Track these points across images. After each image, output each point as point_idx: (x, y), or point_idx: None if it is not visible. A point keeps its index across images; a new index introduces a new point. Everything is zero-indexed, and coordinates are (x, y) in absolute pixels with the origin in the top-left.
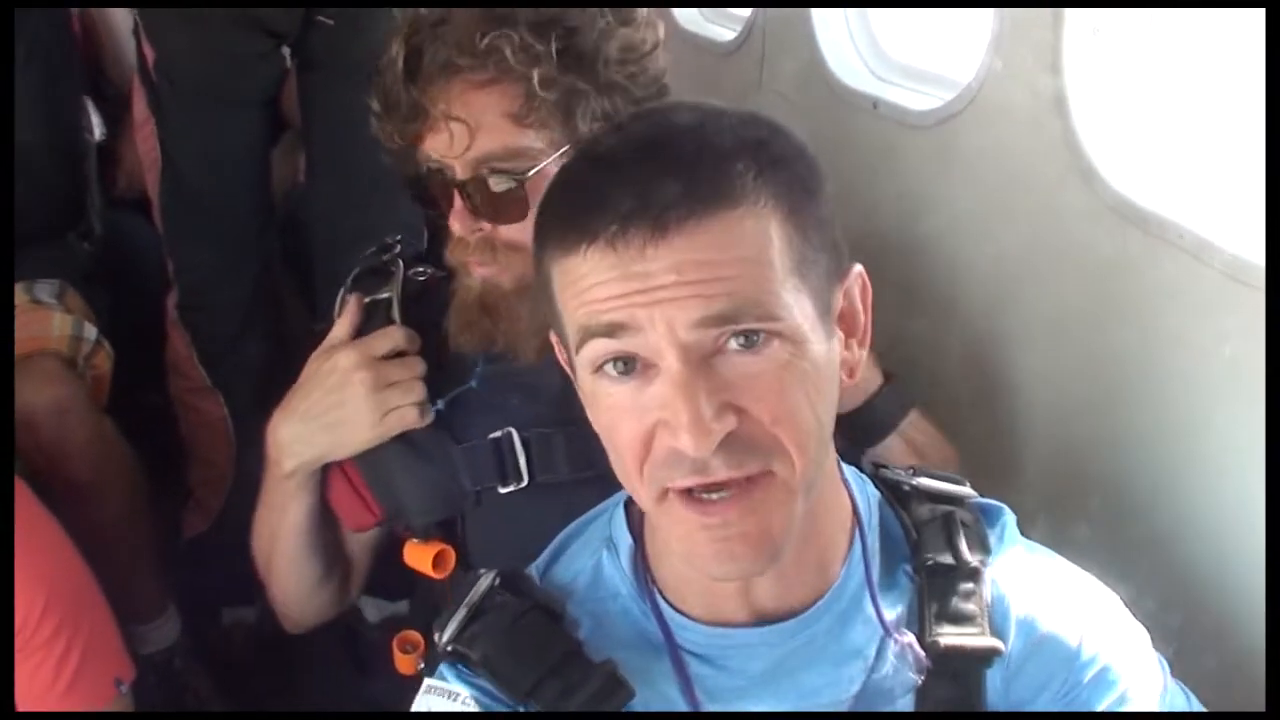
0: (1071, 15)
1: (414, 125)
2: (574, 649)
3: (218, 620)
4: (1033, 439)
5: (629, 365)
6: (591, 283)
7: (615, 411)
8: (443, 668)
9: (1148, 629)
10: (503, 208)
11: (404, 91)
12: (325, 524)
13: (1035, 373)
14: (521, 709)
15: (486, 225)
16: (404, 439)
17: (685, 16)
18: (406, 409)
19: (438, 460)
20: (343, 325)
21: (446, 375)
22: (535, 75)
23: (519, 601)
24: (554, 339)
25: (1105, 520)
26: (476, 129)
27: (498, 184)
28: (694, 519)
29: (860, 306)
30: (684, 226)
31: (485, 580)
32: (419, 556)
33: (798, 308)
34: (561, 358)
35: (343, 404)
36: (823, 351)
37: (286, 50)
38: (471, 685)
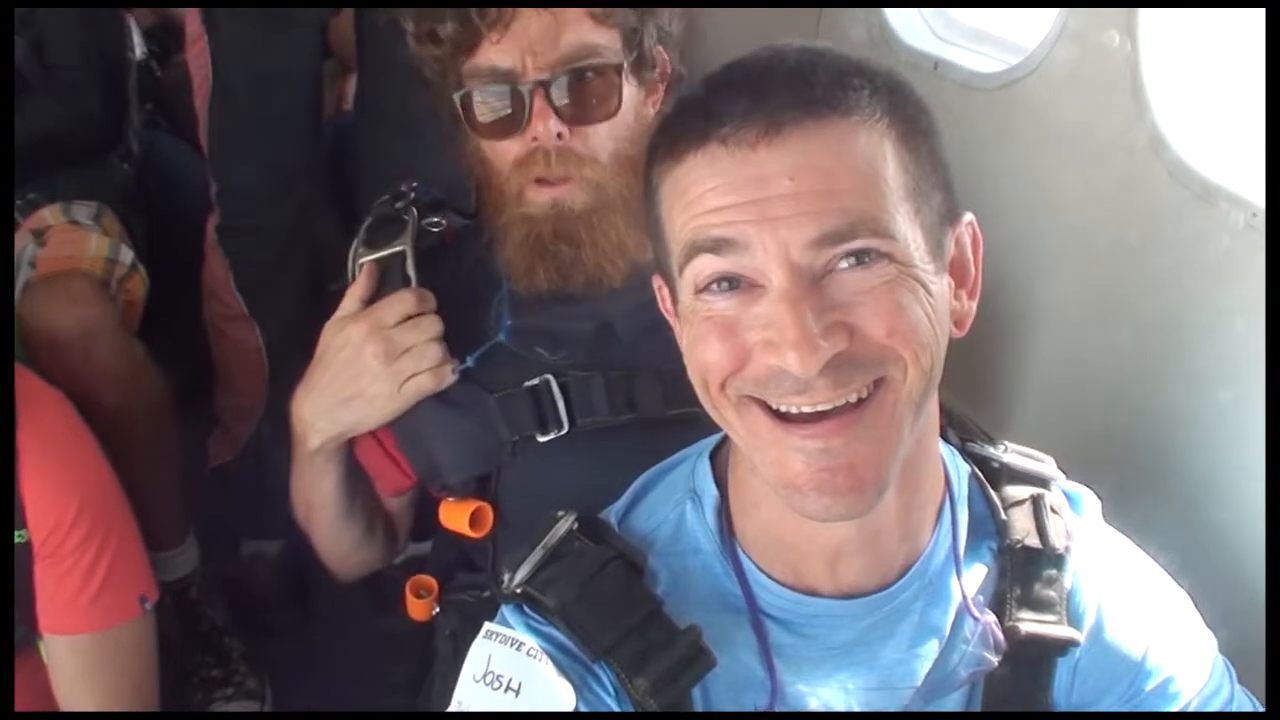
0: None
1: (469, 38)
2: (656, 608)
3: (237, 551)
4: (1073, 408)
5: (733, 284)
6: (701, 190)
7: (711, 324)
8: (506, 612)
9: None
10: (599, 99)
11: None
12: (361, 487)
13: (1084, 342)
14: (595, 666)
15: (567, 131)
16: (435, 396)
17: None
18: (422, 376)
19: (473, 413)
20: (354, 294)
21: (469, 329)
22: None
23: (600, 549)
24: (656, 284)
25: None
26: (561, 25)
27: (588, 77)
28: (787, 438)
29: (971, 257)
30: (800, 125)
31: (564, 523)
32: (455, 516)
33: (911, 236)
34: (662, 303)
35: (358, 378)
36: (937, 283)
37: None
38: (539, 634)
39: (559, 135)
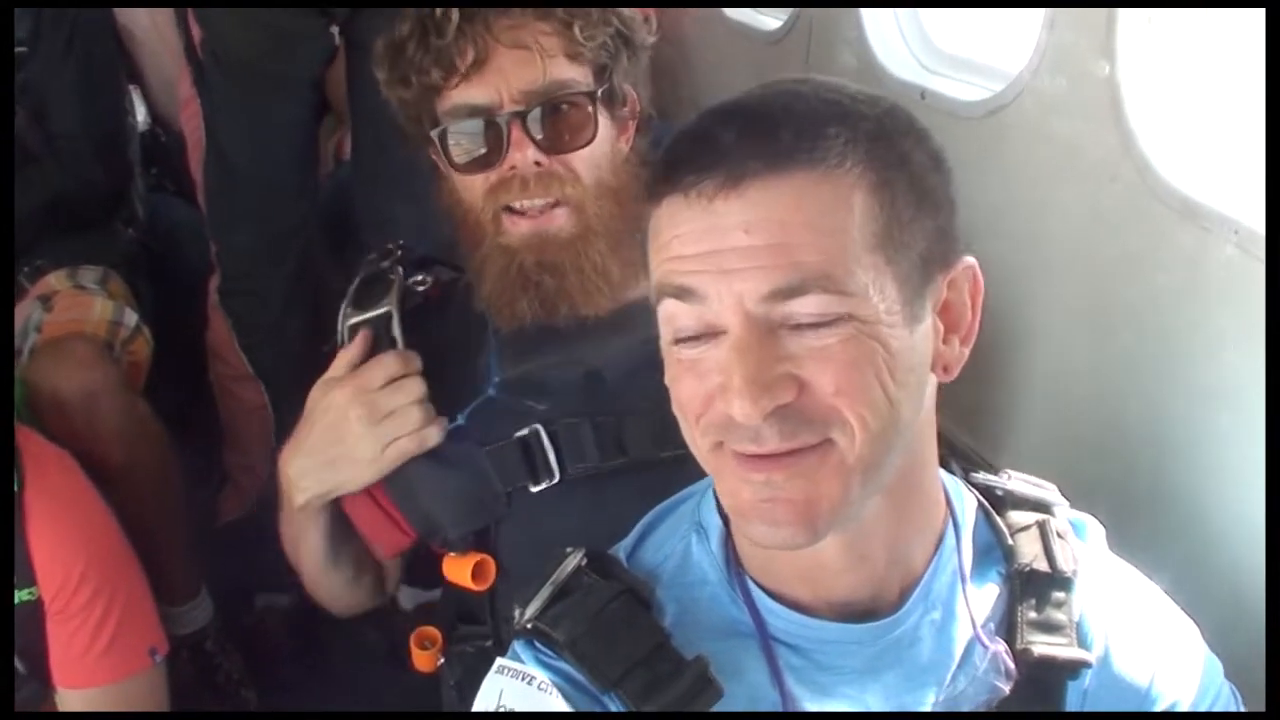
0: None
1: (443, 74)
2: (664, 640)
3: (251, 605)
4: (1066, 435)
5: (699, 337)
6: (669, 236)
7: (681, 367)
8: (517, 647)
9: None
10: (574, 129)
11: (434, 41)
12: (347, 538)
13: (1074, 368)
14: (605, 697)
15: (545, 159)
16: (430, 453)
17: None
18: (404, 440)
19: (466, 468)
20: (345, 358)
21: (460, 383)
22: (589, 13)
23: (608, 584)
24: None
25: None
26: (535, 61)
27: (563, 108)
28: (739, 470)
29: (968, 301)
30: (759, 179)
31: (573, 559)
32: (458, 570)
33: (875, 287)
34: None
35: (341, 441)
36: (902, 338)
37: (335, 29)
38: (549, 668)
39: (537, 163)
